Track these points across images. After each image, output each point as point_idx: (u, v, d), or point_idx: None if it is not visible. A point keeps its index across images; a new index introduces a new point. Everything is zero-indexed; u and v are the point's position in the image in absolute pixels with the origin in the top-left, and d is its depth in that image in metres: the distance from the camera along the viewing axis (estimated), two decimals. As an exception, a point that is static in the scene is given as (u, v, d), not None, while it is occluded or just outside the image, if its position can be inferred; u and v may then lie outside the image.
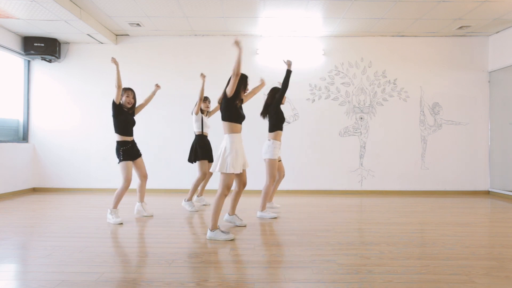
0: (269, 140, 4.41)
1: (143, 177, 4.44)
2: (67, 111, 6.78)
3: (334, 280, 2.42)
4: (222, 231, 3.45)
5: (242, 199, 5.46)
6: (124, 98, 4.23)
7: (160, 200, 5.82)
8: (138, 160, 4.36)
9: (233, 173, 3.41)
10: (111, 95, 6.78)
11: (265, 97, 4.67)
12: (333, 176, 6.70)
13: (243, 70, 6.89)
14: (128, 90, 4.29)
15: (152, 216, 4.50)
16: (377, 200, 5.93)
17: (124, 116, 4.22)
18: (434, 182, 6.70)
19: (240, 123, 3.54)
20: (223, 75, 6.70)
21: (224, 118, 3.49)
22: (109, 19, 5.92)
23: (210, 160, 4.95)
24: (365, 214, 4.79)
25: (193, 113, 4.96)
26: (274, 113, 4.42)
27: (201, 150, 4.88)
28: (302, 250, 3.10)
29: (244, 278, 2.45)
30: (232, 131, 3.47)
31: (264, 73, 6.68)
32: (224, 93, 3.55)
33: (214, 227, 3.44)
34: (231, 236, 3.44)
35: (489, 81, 6.73)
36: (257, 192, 6.48)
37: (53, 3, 4.84)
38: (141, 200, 4.54)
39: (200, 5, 5.36)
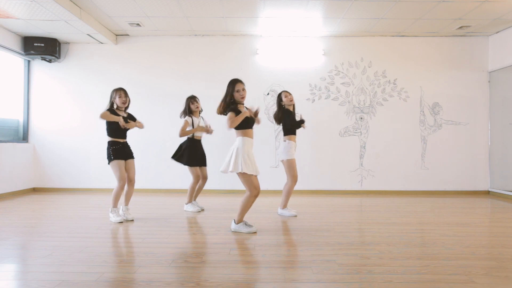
0: (284, 141, 4.51)
1: (130, 181, 4.30)
2: (67, 111, 6.78)
3: (334, 280, 2.42)
4: (246, 225, 3.70)
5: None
6: (117, 99, 4.17)
7: (160, 200, 5.82)
8: (130, 162, 4.30)
9: (250, 174, 3.52)
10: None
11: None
12: (333, 176, 6.70)
13: (243, 70, 6.90)
14: (120, 90, 4.20)
15: (133, 220, 4.28)
16: (377, 200, 5.93)
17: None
18: (434, 182, 6.70)
19: (248, 127, 3.62)
20: (223, 75, 6.74)
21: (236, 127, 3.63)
22: (109, 19, 5.92)
23: (201, 165, 4.82)
24: (365, 214, 4.79)
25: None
26: (285, 119, 4.52)
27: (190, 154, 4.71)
28: (302, 250, 3.10)
29: (244, 278, 2.45)
30: (243, 134, 3.60)
31: (264, 73, 6.70)
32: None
33: (239, 221, 3.70)
34: (253, 229, 3.69)
35: (489, 81, 6.73)
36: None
37: (53, 3, 4.84)
38: (126, 203, 4.35)
39: (200, 5, 5.36)
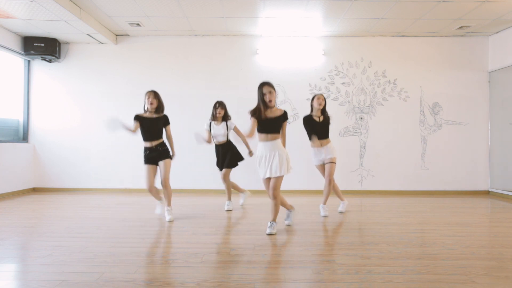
0: None
1: (162, 182, 4.28)
2: (67, 111, 6.78)
3: (334, 280, 2.42)
4: (288, 215, 4.03)
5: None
6: (146, 101, 4.25)
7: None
8: (160, 164, 4.29)
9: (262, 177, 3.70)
10: (111, 95, 6.86)
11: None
12: (333, 176, 6.68)
13: (243, 70, 6.89)
14: (149, 92, 4.27)
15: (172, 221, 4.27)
16: (377, 200, 5.92)
17: (144, 123, 4.25)
18: (434, 182, 6.70)
19: (261, 132, 3.59)
20: (223, 75, 6.75)
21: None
22: (109, 19, 5.92)
23: (219, 167, 5.04)
24: (365, 214, 4.79)
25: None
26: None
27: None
28: (302, 250, 3.10)
29: (244, 278, 2.45)
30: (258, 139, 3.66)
31: (263, 73, 6.70)
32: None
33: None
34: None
35: (489, 81, 6.73)
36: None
37: (53, 3, 4.84)
38: (168, 204, 4.36)
39: (200, 5, 5.36)
